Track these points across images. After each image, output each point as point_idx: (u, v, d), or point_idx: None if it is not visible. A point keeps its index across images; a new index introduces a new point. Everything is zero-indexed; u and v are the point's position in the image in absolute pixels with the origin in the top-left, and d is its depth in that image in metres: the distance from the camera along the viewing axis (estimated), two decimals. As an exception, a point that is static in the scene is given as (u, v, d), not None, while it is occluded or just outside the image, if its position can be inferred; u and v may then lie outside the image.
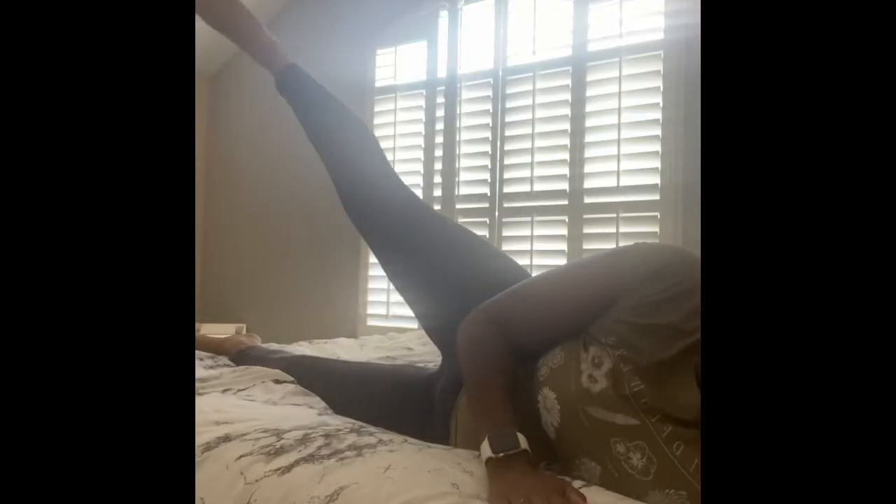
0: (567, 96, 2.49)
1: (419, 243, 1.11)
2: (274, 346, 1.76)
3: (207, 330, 2.93)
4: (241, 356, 1.58)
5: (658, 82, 2.31)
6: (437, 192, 2.81)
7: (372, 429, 0.91)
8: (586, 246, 2.42)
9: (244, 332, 3.25)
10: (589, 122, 2.43)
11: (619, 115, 2.36)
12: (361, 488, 0.68)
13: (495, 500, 0.68)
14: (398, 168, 2.93)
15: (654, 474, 0.73)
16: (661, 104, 2.29)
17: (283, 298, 3.26)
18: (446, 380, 1.03)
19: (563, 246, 2.48)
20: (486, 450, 0.74)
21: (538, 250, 2.55)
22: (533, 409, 0.83)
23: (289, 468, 0.76)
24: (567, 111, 2.49)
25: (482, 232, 2.69)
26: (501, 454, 0.73)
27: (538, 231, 2.55)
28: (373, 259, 2.98)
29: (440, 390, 1.02)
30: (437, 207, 2.80)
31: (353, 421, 0.96)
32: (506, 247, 2.62)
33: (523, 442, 0.75)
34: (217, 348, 1.69)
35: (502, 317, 0.87)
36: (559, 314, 0.84)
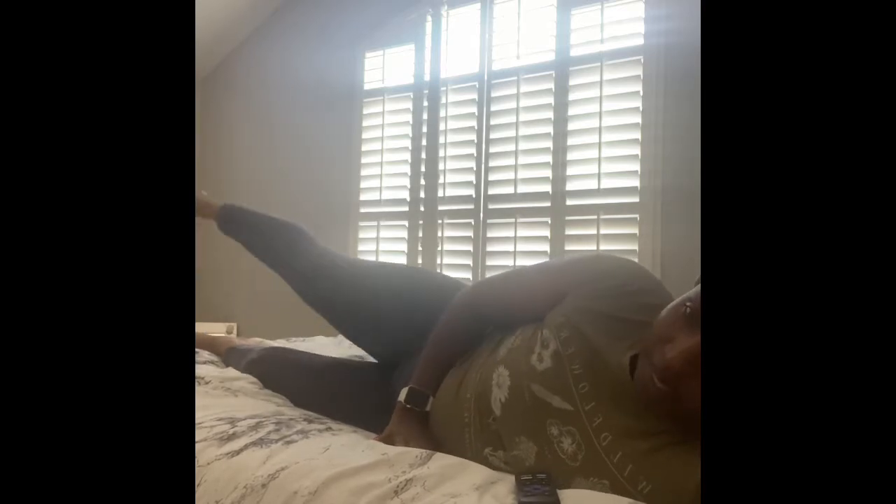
0: (550, 100, 2.53)
1: (363, 299, 1.26)
2: (254, 341, 1.80)
3: (198, 329, 2.96)
4: (229, 353, 1.62)
5: (638, 87, 2.35)
6: (423, 194, 2.86)
7: (325, 419, 0.95)
8: (568, 247, 2.46)
9: (234, 331, 3.29)
10: (571, 126, 2.48)
11: (601, 119, 2.41)
12: (300, 467, 0.72)
13: (385, 433, 0.89)
14: (386, 169, 2.99)
15: (581, 461, 0.77)
16: (640, 108, 2.33)
17: (273, 297, 3.30)
18: (408, 372, 1.07)
19: (546, 247, 2.52)
20: (403, 395, 0.94)
21: (521, 251, 2.59)
22: (487, 387, 0.88)
23: (238, 452, 0.80)
24: (550, 114, 2.53)
25: (467, 233, 2.73)
26: (409, 406, 0.93)
27: (521, 232, 2.59)
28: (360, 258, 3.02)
29: (402, 384, 1.07)
30: (422, 209, 2.85)
31: (310, 413, 0.99)
32: (490, 247, 2.66)
33: (430, 406, 0.94)
34: (210, 346, 1.73)
35: (479, 293, 1.03)
36: (522, 297, 0.98)
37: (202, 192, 1.72)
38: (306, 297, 1.40)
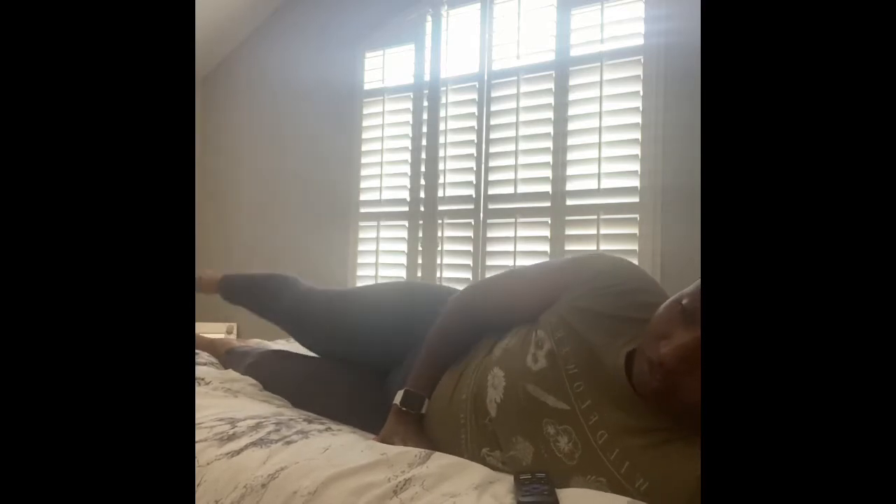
0: (550, 100, 2.53)
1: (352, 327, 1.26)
2: (254, 342, 1.80)
3: (198, 330, 2.96)
4: (228, 355, 1.62)
5: (638, 87, 2.35)
6: (423, 194, 2.86)
7: (324, 419, 0.95)
8: (568, 247, 2.46)
9: (234, 331, 3.29)
10: (571, 126, 2.48)
11: (601, 119, 2.41)
12: (300, 467, 0.72)
13: (381, 436, 0.89)
14: (386, 169, 2.99)
15: (578, 459, 0.77)
16: (640, 108, 2.33)
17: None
18: (402, 376, 1.07)
19: (546, 247, 2.52)
20: (398, 397, 0.94)
21: (521, 251, 2.59)
22: (482, 388, 0.88)
23: (238, 452, 0.80)
24: (550, 114, 2.53)
25: (467, 233, 2.73)
26: (405, 409, 0.92)
27: (521, 232, 2.59)
28: (360, 260, 3.02)
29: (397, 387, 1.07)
30: (422, 209, 2.85)
31: (309, 413, 0.99)
32: (490, 248, 2.66)
33: (425, 409, 0.93)
34: (209, 348, 1.73)
35: (474, 296, 1.03)
36: (516, 298, 0.97)
37: (206, 271, 1.81)
38: (297, 338, 1.42)
